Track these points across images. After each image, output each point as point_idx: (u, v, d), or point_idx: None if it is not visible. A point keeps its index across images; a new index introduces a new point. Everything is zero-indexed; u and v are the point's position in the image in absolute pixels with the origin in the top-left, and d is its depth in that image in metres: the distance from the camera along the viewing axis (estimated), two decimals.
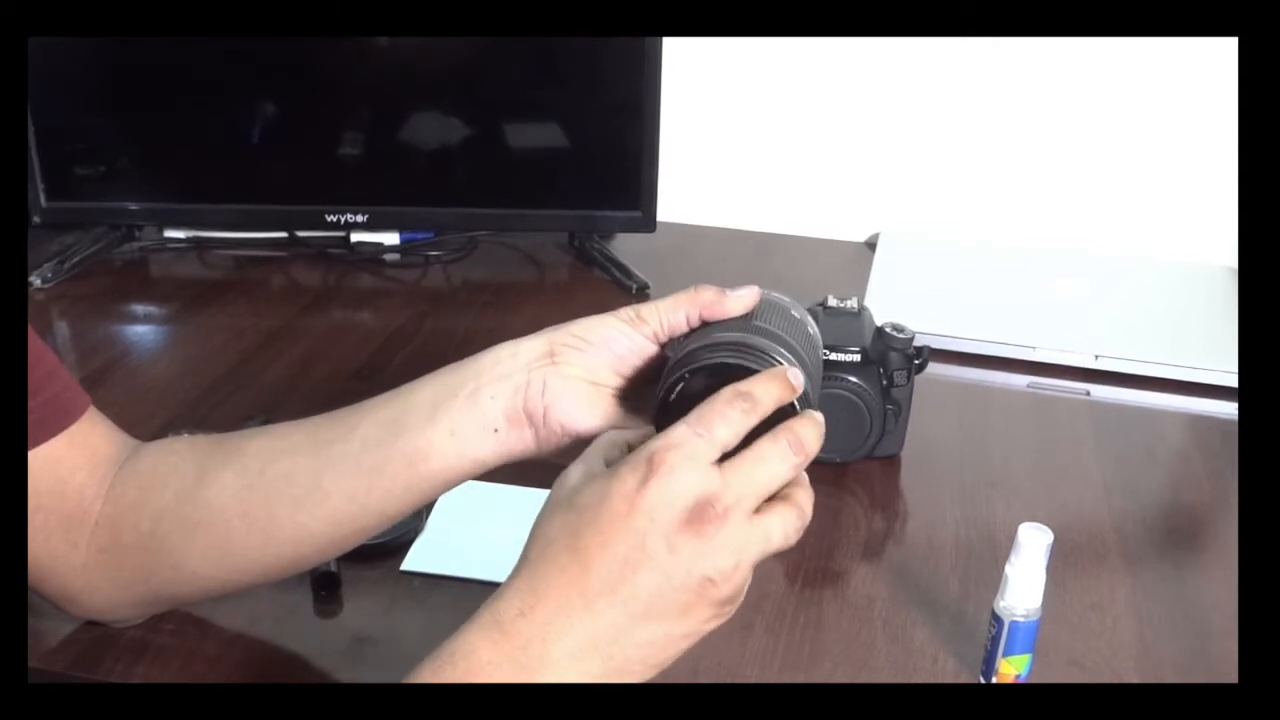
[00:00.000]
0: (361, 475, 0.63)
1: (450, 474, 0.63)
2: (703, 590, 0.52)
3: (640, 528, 0.51)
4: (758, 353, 0.58)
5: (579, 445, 0.61)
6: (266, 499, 0.65)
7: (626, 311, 0.64)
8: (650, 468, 0.51)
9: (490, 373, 0.62)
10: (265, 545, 0.65)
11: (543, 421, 0.62)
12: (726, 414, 0.53)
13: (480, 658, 0.51)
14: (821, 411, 0.61)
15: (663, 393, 0.59)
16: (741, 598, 0.54)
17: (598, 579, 0.51)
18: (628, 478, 0.52)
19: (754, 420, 0.54)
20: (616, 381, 0.64)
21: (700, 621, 0.53)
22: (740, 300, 0.63)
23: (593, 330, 0.63)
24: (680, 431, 0.53)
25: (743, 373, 0.57)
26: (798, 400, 0.57)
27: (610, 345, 0.63)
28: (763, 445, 0.54)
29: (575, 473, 0.55)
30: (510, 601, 0.52)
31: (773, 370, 0.56)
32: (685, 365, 0.59)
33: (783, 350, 0.59)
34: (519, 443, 0.63)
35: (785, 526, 0.54)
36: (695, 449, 0.52)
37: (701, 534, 0.51)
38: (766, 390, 0.55)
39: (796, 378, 0.57)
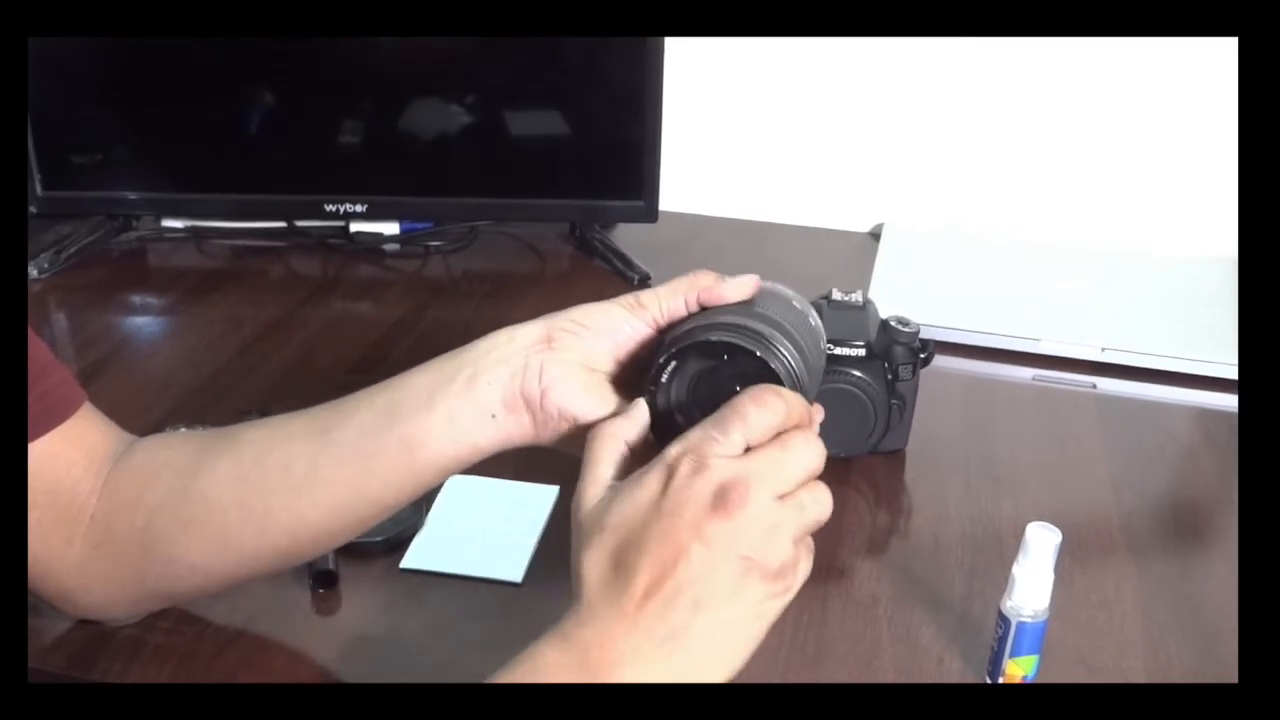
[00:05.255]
0: (359, 462, 0.62)
1: (448, 461, 0.62)
2: (746, 569, 0.53)
3: (671, 527, 0.52)
4: (753, 334, 0.58)
5: (577, 431, 0.61)
6: (262, 488, 0.64)
7: (626, 298, 0.64)
8: (670, 473, 0.53)
9: (487, 358, 0.62)
10: (261, 536, 0.65)
11: (540, 406, 0.61)
12: (747, 417, 0.54)
13: (547, 660, 0.53)
14: (825, 406, 0.61)
15: (655, 370, 0.59)
16: (799, 572, 0.55)
17: (641, 584, 0.52)
18: (651, 485, 0.54)
19: (775, 425, 0.55)
20: (615, 367, 0.63)
21: (755, 603, 0.53)
22: (739, 286, 0.63)
23: (591, 316, 0.63)
24: (696, 435, 0.54)
25: (735, 351, 0.57)
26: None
27: (609, 331, 0.63)
28: (792, 436, 0.55)
29: (591, 494, 0.56)
30: (569, 619, 0.54)
31: (797, 395, 0.57)
32: (679, 343, 0.58)
33: (780, 336, 0.59)
34: (517, 428, 0.62)
35: (817, 500, 0.55)
36: (714, 448, 0.54)
37: (729, 515, 0.52)
38: (796, 401, 0.56)
39: (819, 412, 0.59)
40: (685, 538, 0.52)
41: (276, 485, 0.64)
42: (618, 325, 0.63)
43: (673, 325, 0.63)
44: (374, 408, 0.63)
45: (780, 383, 0.57)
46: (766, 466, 0.54)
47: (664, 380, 0.59)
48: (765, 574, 0.53)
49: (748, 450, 0.54)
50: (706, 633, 0.52)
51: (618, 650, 0.52)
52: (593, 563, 0.54)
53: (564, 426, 0.62)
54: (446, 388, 0.62)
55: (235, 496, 0.64)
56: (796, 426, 0.56)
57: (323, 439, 0.63)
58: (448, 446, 0.62)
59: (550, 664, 0.52)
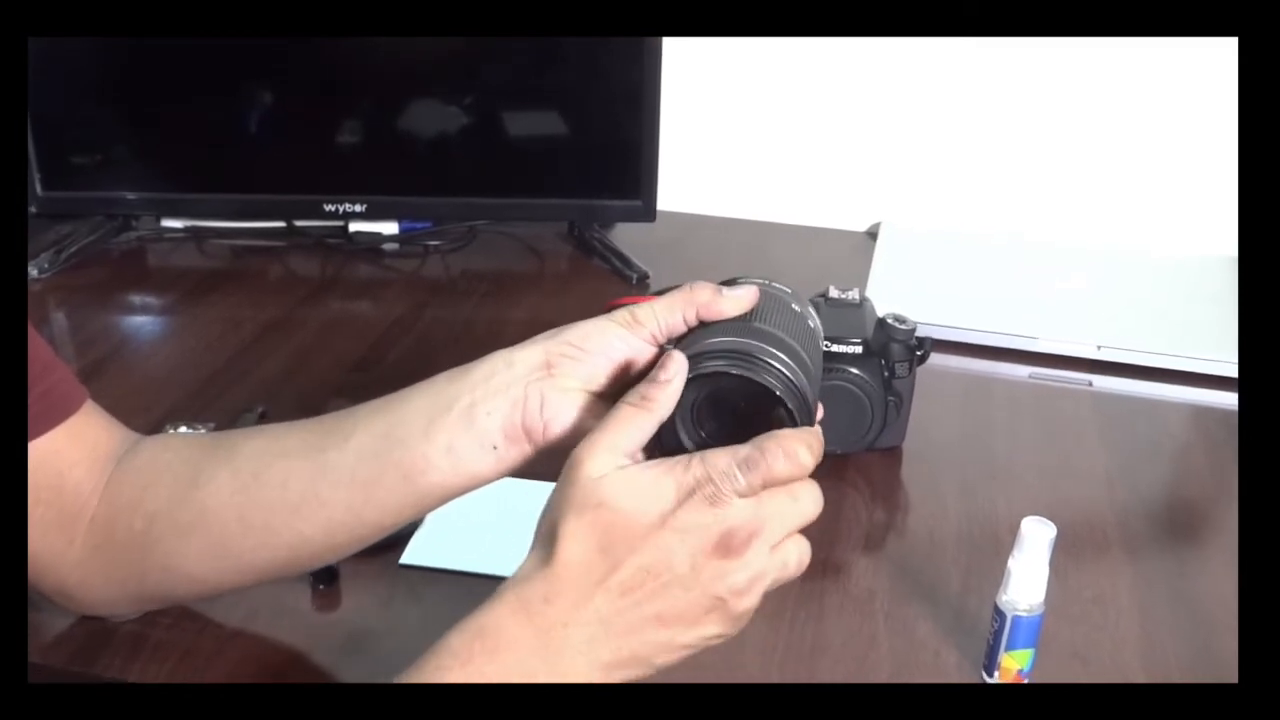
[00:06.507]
0: (356, 487, 0.62)
1: (447, 490, 0.62)
2: (713, 607, 0.54)
3: (669, 544, 0.54)
4: (755, 360, 0.58)
5: None
6: (261, 504, 0.64)
7: (622, 314, 0.62)
8: (688, 492, 0.54)
9: (485, 386, 0.61)
10: (261, 549, 0.65)
11: (542, 436, 0.61)
12: (773, 467, 0.54)
13: (508, 635, 0.54)
14: (822, 403, 0.61)
15: None
16: (746, 621, 0.56)
17: (619, 581, 0.54)
18: (666, 493, 0.54)
19: (795, 476, 0.55)
20: (614, 386, 0.62)
21: (704, 637, 0.55)
22: (737, 300, 0.62)
23: (589, 338, 0.62)
24: (724, 463, 0.54)
25: (741, 383, 0.57)
26: (797, 411, 0.57)
27: (607, 352, 0.62)
28: (803, 487, 0.56)
29: (600, 460, 0.55)
30: (536, 587, 0.54)
31: (816, 432, 0.57)
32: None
33: (781, 355, 0.59)
34: (519, 458, 0.62)
35: (800, 554, 0.56)
36: (735, 486, 0.54)
37: (725, 558, 0.54)
38: (817, 453, 0.56)
39: (819, 411, 0.60)
40: (677, 560, 0.53)
41: (275, 502, 0.64)
42: (615, 345, 0.62)
43: (671, 341, 0.62)
44: (372, 431, 0.62)
45: (779, 400, 0.57)
46: (773, 515, 0.55)
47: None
48: (726, 617, 0.55)
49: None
50: (649, 642, 0.54)
51: (575, 637, 0.53)
52: (578, 534, 0.54)
53: (566, 455, 0.60)
54: (444, 416, 0.61)
55: (234, 510, 0.64)
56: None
57: (320, 459, 0.63)
58: (448, 477, 0.62)
59: (511, 639, 0.53)
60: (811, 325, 0.65)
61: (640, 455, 0.57)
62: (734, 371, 0.57)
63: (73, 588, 0.68)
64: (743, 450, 0.55)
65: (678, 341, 0.62)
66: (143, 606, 0.72)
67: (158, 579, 0.67)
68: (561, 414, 0.60)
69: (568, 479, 0.55)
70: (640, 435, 0.56)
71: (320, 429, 0.65)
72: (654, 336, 0.62)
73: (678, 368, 0.57)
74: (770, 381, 0.57)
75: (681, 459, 0.55)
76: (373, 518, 0.63)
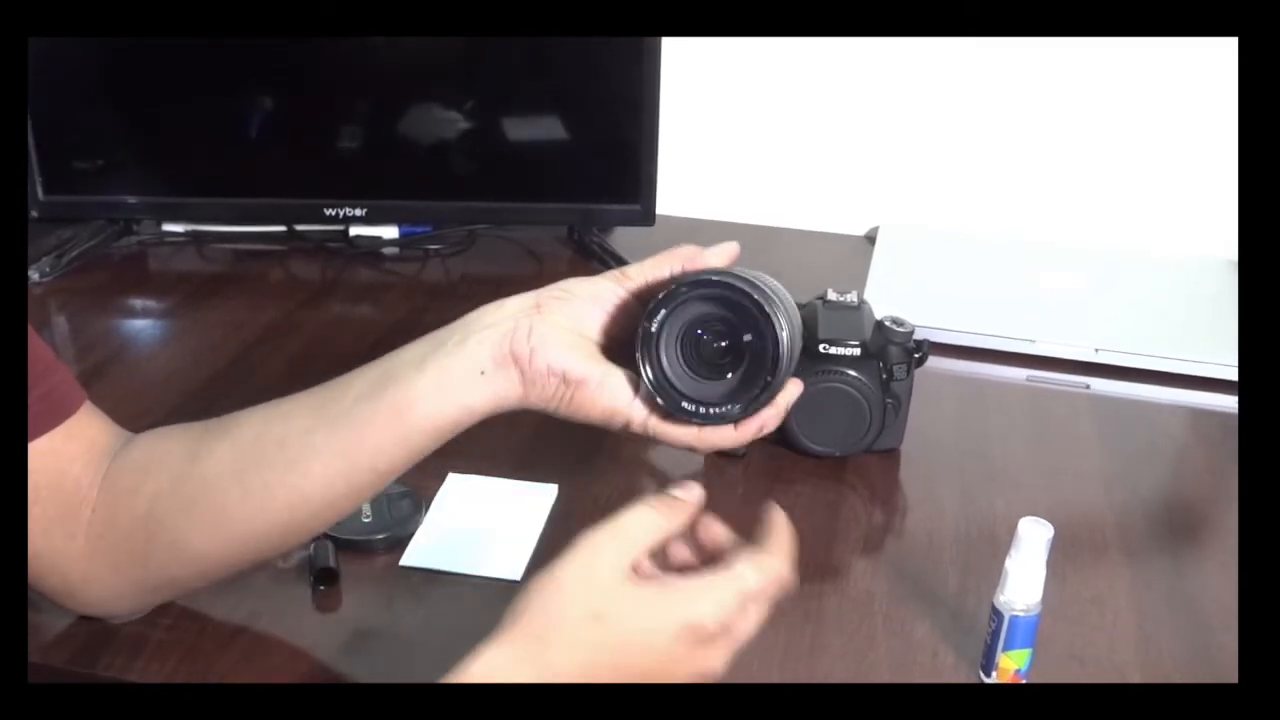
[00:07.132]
0: (352, 430, 0.64)
1: (438, 421, 0.64)
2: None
3: (649, 670, 0.55)
4: (741, 278, 0.61)
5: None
6: (260, 464, 0.65)
7: (613, 272, 0.67)
8: (683, 633, 0.55)
9: (478, 322, 0.65)
10: (260, 513, 0.66)
11: (529, 363, 0.63)
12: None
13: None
14: (820, 405, 0.62)
15: (644, 320, 0.63)
16: None
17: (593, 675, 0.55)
18: (667, 626, 0.55)
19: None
20: (601, 334, 0.66)
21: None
22: (719, 254, 0.66)
23: (579, 285, 0.66)
24: (722, 606, 0.56)
25: (732, 293, 0.61)
26: (786, 361, 0.61)
27: (595, 298, 0.66)
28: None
29: (607, 564, 0.56)
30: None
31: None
32: (670, 293, 0.62)
33: (765, 291, 0.61)
34: (506, 385, 0.64)
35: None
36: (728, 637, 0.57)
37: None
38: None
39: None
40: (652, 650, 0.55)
41: (273, 459, 0.65)
42: (604, 294, 0.66)
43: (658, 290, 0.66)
44: (368, 379, 0.65)
45: (771, 328, 0.59)
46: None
47: (654, 330, 0.62)
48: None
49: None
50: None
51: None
52: (574, 648, 0.54)
53: (552, 384, 0.64)
54: (437, 352, 0.64)
55: (234, 476, 0.65)
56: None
57: (319, 414, 0.65)
58: (438, 406, 0.63)
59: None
60: (790, 299, 0.68)
61: (646, 560, 0.58)
62: (724, 280, 0.61)
63: (77, 585, 0.69)
64: (731, 598, 0.56)
65: (666, 284, 0.64)
66: (146, 597, 0.72)
67: (162, 561, 0.68)
68: (548, 342, 0.63)
69: (571, 574, 0.55)
70: (652, 539, 0.57)
71: (320, 390, 0.67)
72: (641, 291, 0.66)
73: (697, 495, 0.60)
74: (767, 306, 0.59)
75: (684, 588, 0.56)
76: (367, 461, 0.64)
